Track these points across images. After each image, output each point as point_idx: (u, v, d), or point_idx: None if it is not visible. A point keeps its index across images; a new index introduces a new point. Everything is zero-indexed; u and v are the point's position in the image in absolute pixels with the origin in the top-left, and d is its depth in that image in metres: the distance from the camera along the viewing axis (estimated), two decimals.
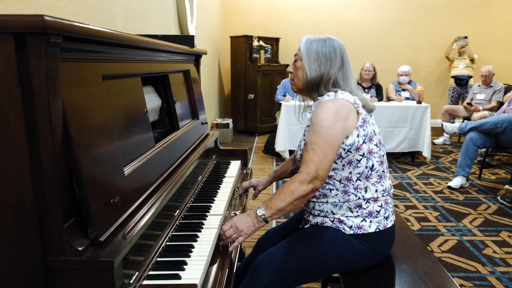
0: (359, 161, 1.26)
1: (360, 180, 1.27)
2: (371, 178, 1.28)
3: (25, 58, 0.70)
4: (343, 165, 1.26)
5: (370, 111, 1.34)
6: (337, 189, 1.28)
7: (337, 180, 1.28)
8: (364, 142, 1.26)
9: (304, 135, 1.40)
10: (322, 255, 1.27)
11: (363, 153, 1.26)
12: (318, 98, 1.33)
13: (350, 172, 1.27)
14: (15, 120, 0.72)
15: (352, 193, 1.27)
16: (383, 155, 1.33)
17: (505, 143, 3.60)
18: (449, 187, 3.63)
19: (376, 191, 1.29)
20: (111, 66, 1.03)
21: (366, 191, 1.28)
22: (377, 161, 1.29)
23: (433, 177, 4.03)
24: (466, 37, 6.07)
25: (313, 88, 1.34)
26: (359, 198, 1.27)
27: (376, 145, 1.29)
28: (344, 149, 1.24)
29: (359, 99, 1.29)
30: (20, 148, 0.73)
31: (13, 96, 0.71)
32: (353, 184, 1.27)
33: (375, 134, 1.30)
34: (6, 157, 0.73)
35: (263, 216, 1.22)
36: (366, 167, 1.27)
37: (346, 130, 1.23)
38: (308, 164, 1.20)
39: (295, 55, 1.38)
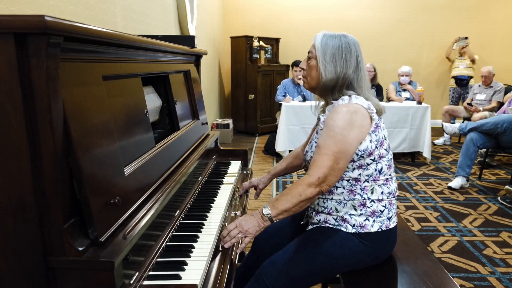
0: (369, 164, 1.26)
1: (368, 181, 1.27)
2: (378, 181, 1.28)
3: (26, 58, 0.70)
4: (354, 168, 1.26)
5: (380, 114, 1.33)
6: (343, 188, 1.28)
7: (345, 180, 1.28)
8: (376, 147, 1.25)
9: (311, 138, 1.39)
10: (325, 257, 1.27)
11: (374, 158, 1.26)
12: (332, 102, 1.31)
13: (359, 174, 1.27)
14: (15, 120, 0.72)
15: (358, 193, 1.27)
16: (391, 159, 1.33)
17: (505, 143, 3.60)
18: (449, 188, 3.63)
19: (382, 193, 1.29)
20: (112, 66, 1.03)
21: (372, 192, 1.28)
22: (386, 165, 1.29)
23: (433, 177, 4.03)
24: (466, 38, 6.07)
25: (327, 91, 1.32)
26: (364, 198, 1.27)
27: (386, 150, 1.29)
28: (357, 154, 1.24)
29: (372, 104, 1.28)
30: (20, 148, 0.73)
31: (14, 96, 0.71)
32: (360, 185, 1.27)
33: (385, 139, 1.30)
34: (7, 157, 0.73)
35: (268, 215, 1.21)
36: (375, 170, 1.27)
37: (360, 136, 1.22)
38: (319, 168, 1.19)
39: (309, 52, 1.34)
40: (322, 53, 1.28)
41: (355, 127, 1.21)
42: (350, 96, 1.28)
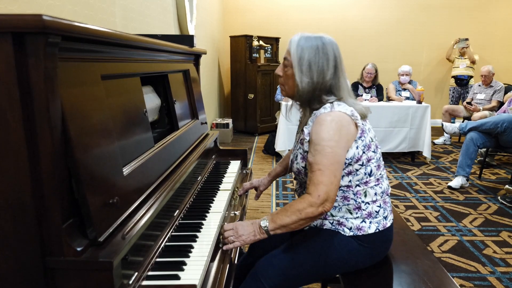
0: (357, 170, 1.25)
1: (359, 186, 1.26)
2: (369, 183, 1.27)
3: (24, 58, 0.70)
4: (343, 175, 1.25)
5: (364, 117, 1.30)
6: (336, 195, 1.26)
7: None
8: (363, 152, 1.24)
9: (295, 146, 1.34)
10: (322, 258, 1.27)
11: (362, 163, 1.25)
12: (314, 112, 1.27)
13: (350, 181, 1.26)
14: (14, 120, 0.71)
15: (352, 199, 1.27)
16: (379, 158, 1.31)
17: (505, 143, 3.60)
18: (449, 187, 3.63)
19: (375, 194, 1.28)
20: (110, 66, 1.03)
21: (365, 195, 1.27)
22: (375, 166, 1.28)
23: (433, 177, 4.03)
24: (467, 39, 6.04)
25: (304, 101, 1.29)
26: (358, 202, 1.27)
27: (373, 151, 1.28)
28: (345, 163, 1.22)
29: (356, 109, 1.25)
30: (19, 148, 0.72)
31: (12, 96, 0.70)
32: (352, 191, 1.26)
33: (372, 141, 1.28)
34: (5, 157, 0.73)
35: (265, 228, 1.20)
36: (365, 173, 1.26)
37: (347, 145, 1.21)
38: (318, 186, 1.15)
39: (284, 59, 1.29)
40: (298, 62, 1.23)
41: (342, 136, 1.18)
42: (332, 103, 1.24)
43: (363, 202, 1.27)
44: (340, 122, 1.19)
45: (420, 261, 1.40)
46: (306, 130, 1.28)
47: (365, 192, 1.27)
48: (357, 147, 1.23)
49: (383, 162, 1.35)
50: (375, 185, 1.28)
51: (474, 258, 2.36)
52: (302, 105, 1.34)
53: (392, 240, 1.37)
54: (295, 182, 1.47)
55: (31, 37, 0.69)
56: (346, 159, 1.21)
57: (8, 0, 1.30)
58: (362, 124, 1.26)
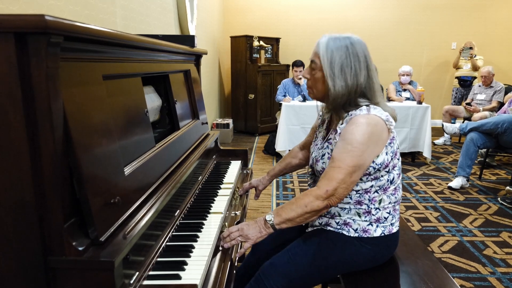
0: (383, 176, 1.24)
1: (377, 192, 1.25)
2: (388, 190, 1.26)
3: (26, 58, 0.70)
4: (367, 180, 1.24)
5: (395, 120, 1.29)
6: (350, 198, 1.26)
7: (355, 191, 1.25)
8: (391, 158, 1.23)
9: (318, 144, 1.33)
10: (326, 260, 1.27)
11: (388, 169, 1.24)
12: (350, 114, 1.22)
13: (372, 186, 1.24)
14: (16, 120, 0.71)
15: (365, 204, 1.26)
16: (400, 166, 1.31)
17: (506, 143, 3.60)
18: (450, 188, 3.63)
19: (389, 202, 1.28)
20: (112, 66, 1.03)
21: (379, 202, 1.26)
22: (397, 174, 1.28)
23: (433, 177, 4.03)
24: (471, 48, 5.93)
25: (339, 105, 1.22)
26: (370, 208, 1.26)
27: (398, 159, 1.28)
28: (374, 168, 1.21)
29: (389, 113, 1.23)
30: (20, 148, 0.73)
31: (14, 96, 0.71)
32: (369, 196, 1.25)
33: (397, 148, 1.27)
34: (7, 157, 0.73)
35: (271, 222, 1.20)
36: (387, 180, 1.25)
37: (377, 150, 1.19)
38: (330, 181, 1.15)
39: (312, 62, 1.25)
40: (329, 66, 1.19)
41: (373, 141, 1.17)
42: (368, 105, 1.21)
43: (374, 208, 1.26)
44: (375, 126, 1.18)
45: (421, 262, 1.40)
46: (339, 130, 1.24)
47: (380, 200, 1.26)
48: (386, 153, 1.22)
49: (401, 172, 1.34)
50: (392, 194, 1.28)
51: (475, 258, 2.36)
52: (335, 109, 1.26)
53: (397, 245, 1.36)
54: (309, 178, 1.44)
55: (33, 37, 0.69)
56: (376, 164, 1.20)
57: (9, 1, 1.30)
58: (393, 131, 1.24)
